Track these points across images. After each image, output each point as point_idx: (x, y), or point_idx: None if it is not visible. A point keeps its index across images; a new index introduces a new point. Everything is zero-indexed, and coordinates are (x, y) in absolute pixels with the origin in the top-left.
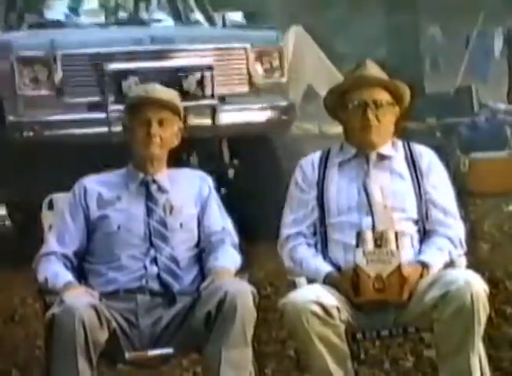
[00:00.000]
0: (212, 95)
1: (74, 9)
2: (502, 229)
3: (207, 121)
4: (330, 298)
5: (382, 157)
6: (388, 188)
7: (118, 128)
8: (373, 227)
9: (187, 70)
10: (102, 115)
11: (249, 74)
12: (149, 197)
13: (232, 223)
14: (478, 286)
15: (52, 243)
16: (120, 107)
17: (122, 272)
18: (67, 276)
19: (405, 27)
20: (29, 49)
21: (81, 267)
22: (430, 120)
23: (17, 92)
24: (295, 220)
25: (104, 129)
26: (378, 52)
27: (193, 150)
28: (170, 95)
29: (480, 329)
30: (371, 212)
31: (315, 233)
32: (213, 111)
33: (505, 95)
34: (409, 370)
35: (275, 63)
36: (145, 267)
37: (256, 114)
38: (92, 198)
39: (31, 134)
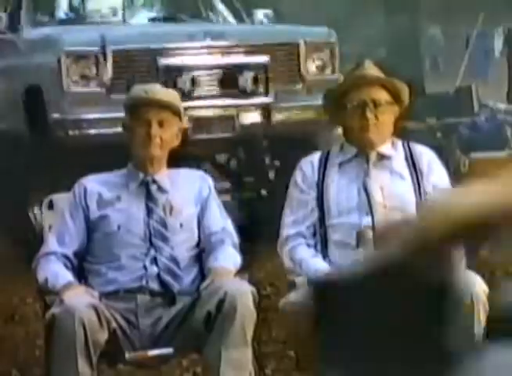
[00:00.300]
0: (266, 93)
1: (76, 9)
2: None
3: (261, 120)
4: None
5: (382, 157)
6: (388, 188)
7: None
8: (373, 227)
9: (243, 67)
10: None
11: (301, 70)
12: (149, 197)
13: (232, 223)
14: (478, 286)
15: (52, 243)
16: None
17: (122, 273)
18: (67, 276)
19: (405, 27)
20: (78, 45)
21: (81, 267)
22: (430, 120)
23: (64, 89)
24: (295, 221)
25: None
26: (378, 52)
27: (235, 150)
28: (170, 95)
29: (480, 329)
30: (371, 212)
31: (314, 234)
32: (267, 109)
33: (505, 95)
34: None
35: (327, 59)
36: (145, 267)
37: (308, 112)
38: (92, 198)
39: (76, 132)
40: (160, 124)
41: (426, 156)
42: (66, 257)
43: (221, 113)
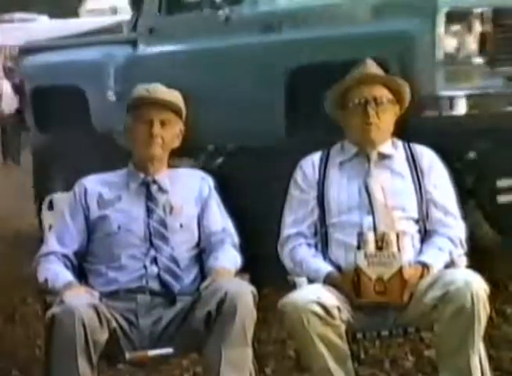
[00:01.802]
0: None
1: None
2: None
3: None
4: (331, 298)
5: (383, 157)
6: (389, 187)
7: None
8: (374, 226)
9: None
10: None
11: None
12: (150, 198)
13: (232, 223)
14: (478, 286)
15: (52, 243)
16: None
17: (122, 272)
18: (67, 276)
19: None
20: (460, 4)
21: (81, 267)
22: None
23: (437, 61)
24: (295, 220)
25: None
26: None
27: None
28: (172, 95)
29: (480, 329)
30: (372, 211)
31: (315, 233)
32: None
33: None
34: (409, 370)
35: None
36: (145, 267)
37: None
38: (93, 198)
39: (450, 113)
40: (162, 123)
41: (427, 156)
42: (66, 257)
43: None
